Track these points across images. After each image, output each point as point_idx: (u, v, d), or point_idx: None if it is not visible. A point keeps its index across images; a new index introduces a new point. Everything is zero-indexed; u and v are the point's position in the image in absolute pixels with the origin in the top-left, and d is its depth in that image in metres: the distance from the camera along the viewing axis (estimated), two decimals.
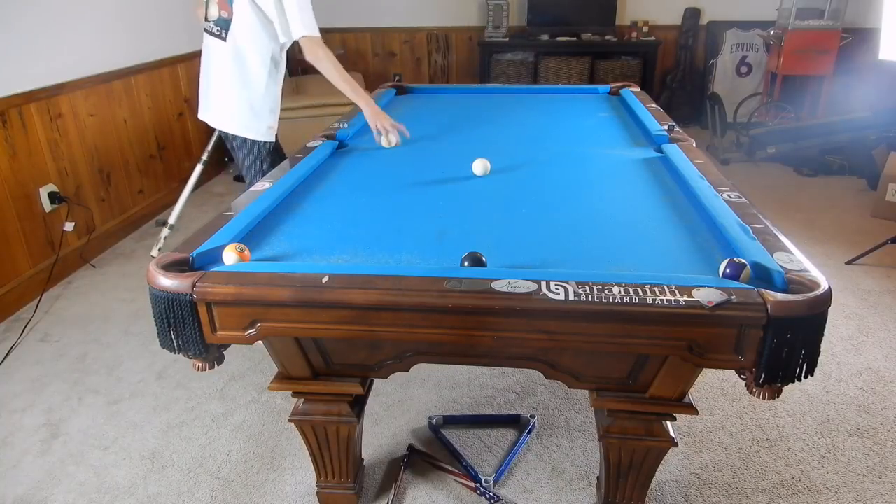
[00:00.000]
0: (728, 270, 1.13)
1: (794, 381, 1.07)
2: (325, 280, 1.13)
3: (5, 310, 2.71)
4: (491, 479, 1.76)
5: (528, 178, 1.80)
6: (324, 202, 1.64)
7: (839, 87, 4.98)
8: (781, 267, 1.14)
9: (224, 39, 2.31)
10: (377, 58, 5.88)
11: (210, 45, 2.38)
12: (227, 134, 2.47)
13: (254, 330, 1.18)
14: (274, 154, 2.48)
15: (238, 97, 2.35)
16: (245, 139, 2.42)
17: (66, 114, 3.09)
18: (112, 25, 3.48)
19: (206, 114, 2.47)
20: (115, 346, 2.49)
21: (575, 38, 5.48)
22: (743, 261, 1.14)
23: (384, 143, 2.19)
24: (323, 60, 2.25)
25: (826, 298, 1.04)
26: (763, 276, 1.13)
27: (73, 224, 3.09)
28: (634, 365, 1.27)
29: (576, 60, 5.49)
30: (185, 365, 2.32)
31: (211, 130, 2.78)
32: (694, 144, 1.96)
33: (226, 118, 2.42)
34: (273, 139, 2.46)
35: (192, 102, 4.32)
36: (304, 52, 2.29)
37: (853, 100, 4.77)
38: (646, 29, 5.49)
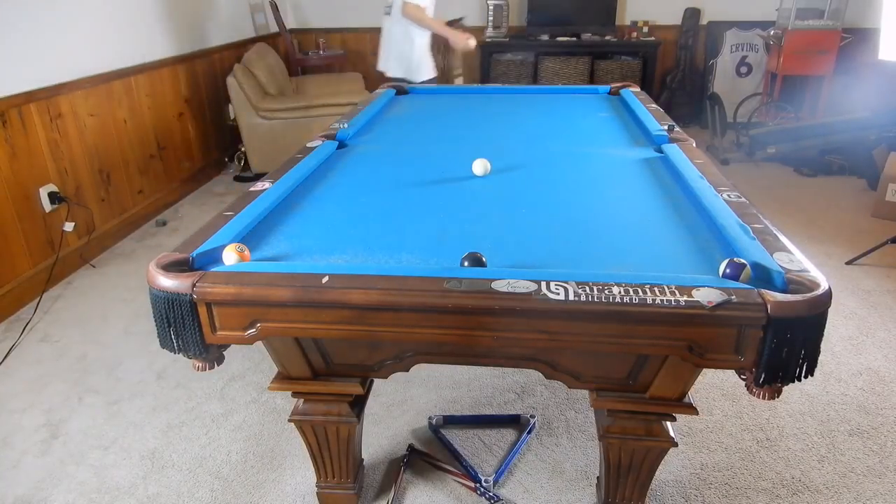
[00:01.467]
0: (728, 270, 1.13)
1: (794, 382, 1.07)
2: (325, 280, 1.13)
3: (5, 310, 2.71)
4: (491, 479, 1.76)
5: (527, 178, 1.80)
6: (324, 202, 1.64)
7: (839, 87, 4.98)
8: (781, 267, 1.13)
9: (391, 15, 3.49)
10: (377, 58, 5.87)
11: (385, 24, 3.59)
12: (409, 80, 3.54)
13: (254, 330, 1.18)
14: None
15: (413, 52, 3.53)
16: (431, 79, 3.63)
17: (66, 114, 3.09)
18: (112, 26, 3.48)
19: (394, 70, 3.63)
20: (114, 346, 2.49)
21: (575, 39, 5.48)
22: (743, 261, 1.14)
23: (468, 46, 3.55)
24: (414, 18, 3.41)
25: (826, 298, 1.04)
26: (763, 276, 1.13)
27: (73, 224, 3.09)
28: (634, 365, 1.27)
29: (576, 60, 5.49)
30: (185, 365, 2.32)
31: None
32: (694, 144, 1.96)
33: (418, 71, 3.58)
34: None
35: (191, 102, 4.32)
36: (402, 11, 3.39)
37: (853, 100, 4.77)
38: (646, 29, 5.49)
